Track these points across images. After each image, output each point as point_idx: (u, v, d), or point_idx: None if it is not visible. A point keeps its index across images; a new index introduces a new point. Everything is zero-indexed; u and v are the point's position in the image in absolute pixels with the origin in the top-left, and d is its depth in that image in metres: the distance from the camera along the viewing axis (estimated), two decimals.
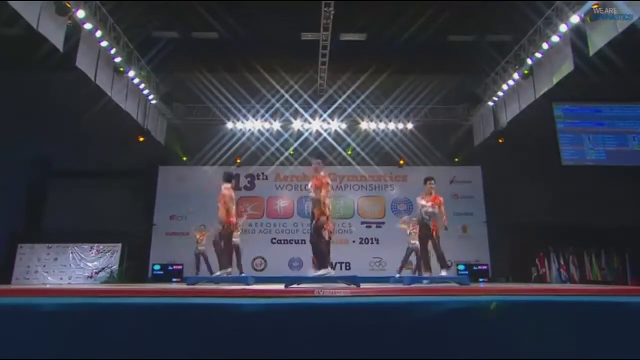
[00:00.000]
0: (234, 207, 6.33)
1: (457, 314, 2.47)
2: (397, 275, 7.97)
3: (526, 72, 9.36)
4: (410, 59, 11.01)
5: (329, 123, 12.18)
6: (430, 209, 5.99)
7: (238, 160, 12.43)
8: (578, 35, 7.98)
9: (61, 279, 11.06)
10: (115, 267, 11.18)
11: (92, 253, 11.36)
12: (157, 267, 11.71)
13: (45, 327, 2.34)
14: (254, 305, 2.47)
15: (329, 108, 12.07)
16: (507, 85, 10.25)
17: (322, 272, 5.27)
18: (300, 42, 10.89)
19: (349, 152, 12.37)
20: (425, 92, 11.89)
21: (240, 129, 12.23)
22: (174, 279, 11.07)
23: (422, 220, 6.08)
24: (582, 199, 11.24)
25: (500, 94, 10.74)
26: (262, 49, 10.84)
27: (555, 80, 8.73)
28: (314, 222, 5.35)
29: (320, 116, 12.11)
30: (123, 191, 12.07)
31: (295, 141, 12.23)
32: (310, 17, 9.11)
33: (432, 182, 6.18)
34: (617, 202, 11.05)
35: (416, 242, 7.95)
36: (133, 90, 10.01)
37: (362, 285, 4.58)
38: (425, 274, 6.15)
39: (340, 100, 11.89)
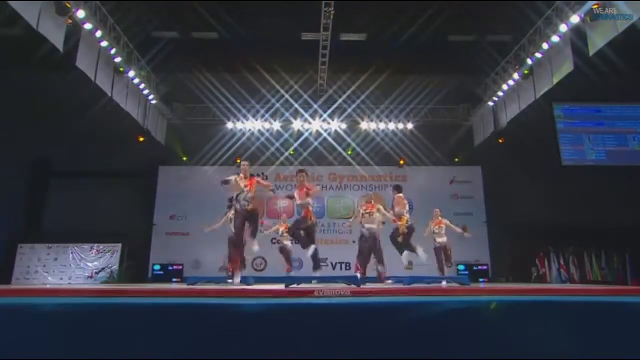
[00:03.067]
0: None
1: (457, 314, 2.48)
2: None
3: (526, 72, 9.37)
4: (410, 59, 11.00)
5: (329, 123, 12.18)
6: (300, 201, 6.10)
7: (238, 160, 12.40)
8: (578, 35, 7.98)
9: (61, 279, 11.06)
10: (115, 267, 11.17)
11: (92, 253, 11.35)
12: (157, 267, 11.71)
13: (45, 327, 2.34)
14: (254, 305, 2.47)
15: (329, 108, 12.07)
16: (507, 85, 10.25)
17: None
18: (300, 42, 10.88)
19: (349, 152, 12.36)
20: (425, 92, 11.88)
21: (240, 129, 12.23)
22: (174, 279, 11.08)
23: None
24: (582, 199, 11.24)
25: (500, 94, 10.75)
26: (262, 49, 10.84)
27: (555, 80, 8.73)
28: None
29: (320, 116, 12.11)
30: (123, 191, 12.07)
31: (295, 141, 12.23)
32: (310, 17, 9.11)
33: (303, 173, 6.24)
34: (617, 202, 11.04)
35: (443, 239, 7.85)
36: (133, 90, 10.01)
37: (362, 285, 4.58)
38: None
39: (340, 100, 11.89)
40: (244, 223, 5.74)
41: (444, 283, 6.27)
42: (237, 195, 5.77)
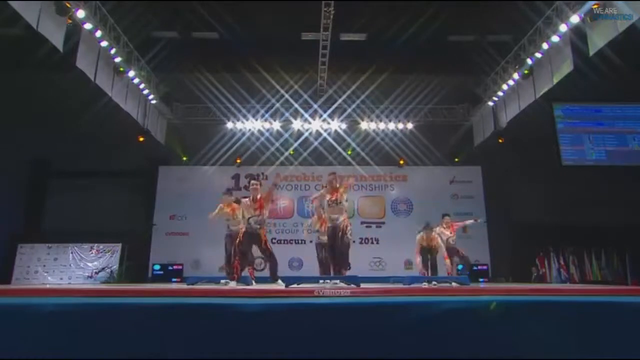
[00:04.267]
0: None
1: (457, 314, 2.48)
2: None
3: (526, 72, 9.35)
4: (410, 59, 10.99)
5: (329, 123, 12.17)
6: (257, 217, 5.78)
7: (238, 160, 12.43)
8: (578, 35, 7.98)
9: (61, 279, 11.05)
10: (115, 267, 11.17)
11: (92, 253, 11.35)
12: (157, 267, 11.70)
13: (45, 327, 2.34)
14: (254, 305, 2.47)
15: (329, 108, 12.05)
16: (507, 85, 10.23)
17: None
18: (300, 42, 10.87)
19: (349, 152, 12.36)
20: (425, 92, 11.87)
21: (240, 129, 12.22)
22: (174, 279, 11.08)
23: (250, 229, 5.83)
24: (582, 199, 11.23)
25: (500, 94, 10.73)
26: (262, 49, 10.83)
27: (555, 80, 8.73)
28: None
29: (320, 116, 12.10)
30: (123, 191, 12.06)
31: (295, 141, 12.23)
32: (310, 17, 9.10)
33: (254, 183, 6.04)
34: (617, 202, 11.03)
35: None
36: (133, 90, 10.00)
37: (362, 285, 4.58)
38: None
39: (340, 100, 11.87)
40: (251, 244, 5.84)
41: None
42: (249, 218, 5.75)
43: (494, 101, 11.22)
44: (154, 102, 11.11)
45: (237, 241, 5.86)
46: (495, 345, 2.39)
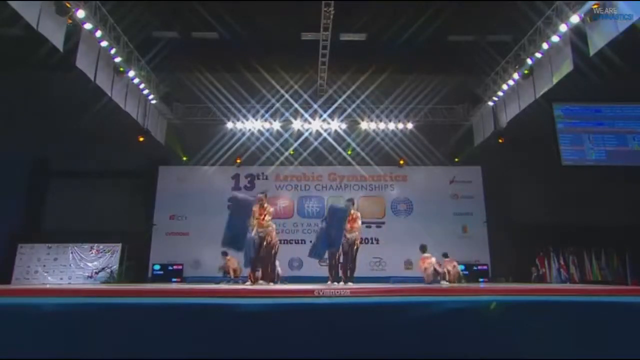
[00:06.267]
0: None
1: (457, 314, 2.48)
2: None
3: (526, 72, 9.35)
4: (410, 59, 11.00)
5: (329, 123, 12.17)
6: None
7: (238, 160, 12.43)
8: (578, 35, 7.97)
9: (61, 279, 11.06)
10: (115, 267, 11.17)
11: (92, 253, 11.35)
12: (157, 267, 11.71)
13: (45, 327, 2.34)
14: (254, 305, 2.47)
15: (329, 108, 12.06)
16: (507, 85, 10.24)
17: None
18: (300, 42, 10.87)
19: (349, 152, 12.36)
20: (425, 92, 11.87)
21: (240, 129, 12.22)
22: (174, 279, 11.08)
23: None
24: (582, 199, 11.23)
25: (500, 94, 10.73)
26: (262, 49, 10.84)
27: (555, 80, 8.72)
28: None
29: (320, 116, 12.10)
30: (123, 191, 12.07)
31: (295, 141, 12.23)
32: (310, 17, 9.10)
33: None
34: (617, 202, 11.04)
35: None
36: (133, 90, 10.00)
37: (362, 285, 4.58)
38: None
39: (340, 100, 11.87)
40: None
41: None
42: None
43: (494, 101, 11.22)
44: (154, 102, 11.11)
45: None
46: (495, 345, 2.39)
